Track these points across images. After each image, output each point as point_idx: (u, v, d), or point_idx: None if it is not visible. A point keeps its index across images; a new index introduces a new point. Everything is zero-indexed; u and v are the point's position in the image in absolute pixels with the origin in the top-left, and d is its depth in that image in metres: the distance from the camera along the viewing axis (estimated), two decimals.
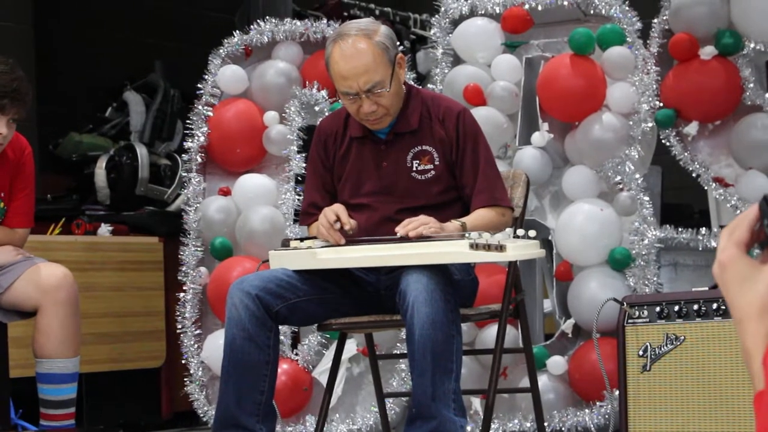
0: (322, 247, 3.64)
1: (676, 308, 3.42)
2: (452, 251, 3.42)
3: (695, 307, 3.38)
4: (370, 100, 3.67)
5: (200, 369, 5.09)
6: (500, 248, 3.31)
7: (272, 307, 3.61)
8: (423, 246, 3.47)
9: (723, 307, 3.34)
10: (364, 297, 3.79)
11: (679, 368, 3.39)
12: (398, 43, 3.88)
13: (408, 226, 3.54)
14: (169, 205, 6.10)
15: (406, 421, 3.48)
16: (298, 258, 3.65)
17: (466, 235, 3.38)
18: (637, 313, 3.48)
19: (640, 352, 3.44)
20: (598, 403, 4.66)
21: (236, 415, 3.58)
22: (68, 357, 4.00)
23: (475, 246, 3.33)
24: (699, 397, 3.34)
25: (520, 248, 3.38)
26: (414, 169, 3.77)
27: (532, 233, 3.43)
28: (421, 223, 3.54)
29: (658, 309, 3.44)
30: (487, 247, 3.32)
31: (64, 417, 4.06)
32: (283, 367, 4.85)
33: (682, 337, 3.39)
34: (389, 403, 4.74)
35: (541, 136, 4.94)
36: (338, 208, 3.68)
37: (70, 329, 4.00)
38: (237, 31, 5.33)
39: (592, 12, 4.96)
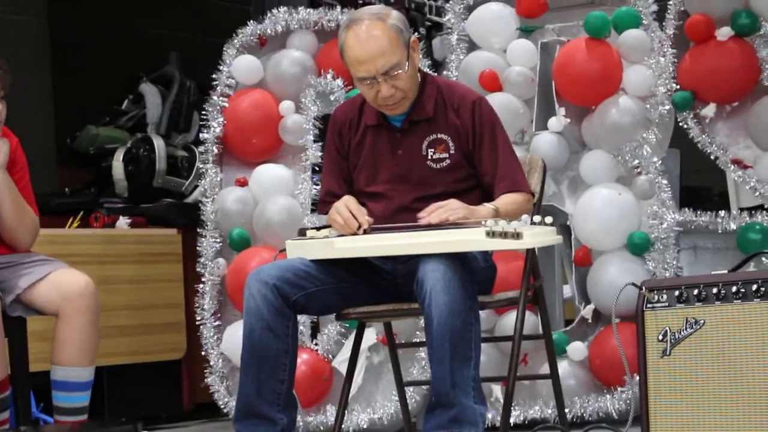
0: (339, 236, 3.64)
1: (695, 292, 3.39)
2: (469, 239, 3.40)
3: (714, 290, 3.35)
4: (388, 83, 3.65)
5: (220, 360, 5.09)
6: (517, 236, 3.29)
7: (290, 296, 3.61)
8: (440, 234, 3.46)
9: (743, 290, 3.32)
10: (382, 286, 3.78)
11: (699, 352, 3.37)
12: (414, 29, 3.86)
13: (433, 213, 3.52)
14: (186, 196, 6.09)
15: (426, 409, 3.46)
16: (315, 247, 3.64)
17: (483, 222, 3.36)
18: (656, 297, 3.46)
19: (660, 337, 3.42)
20: (619, 388, 4.64)
21: (257, 405, 3.57)
22: (84, 366, 3.99)
23: (491, 234, 3.32)
24: (719, 381, 3.33)
25: (537, 235, 3.37)
26: (429, 157, 3.75)
27: (548, 219, 3.41)
28: (448, 209, 3.52)
29: (677, 293, 3.41)
30: (504, 235, 3.30)
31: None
32: (303, 356, 4.84)
33: (702, 321, 3.37)
34: (409, 391, 4.73)
35: (558, 120, 4.92)
36: (349, 202, 3.66)
37: (89, 339, 3.98)
38: (251, 21, 5.32)
39: None
